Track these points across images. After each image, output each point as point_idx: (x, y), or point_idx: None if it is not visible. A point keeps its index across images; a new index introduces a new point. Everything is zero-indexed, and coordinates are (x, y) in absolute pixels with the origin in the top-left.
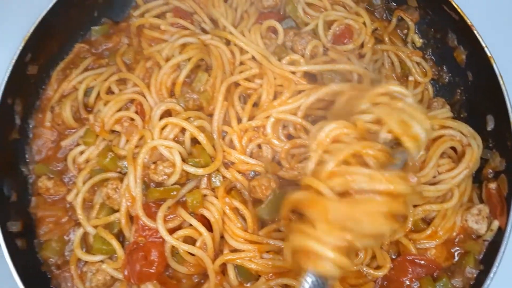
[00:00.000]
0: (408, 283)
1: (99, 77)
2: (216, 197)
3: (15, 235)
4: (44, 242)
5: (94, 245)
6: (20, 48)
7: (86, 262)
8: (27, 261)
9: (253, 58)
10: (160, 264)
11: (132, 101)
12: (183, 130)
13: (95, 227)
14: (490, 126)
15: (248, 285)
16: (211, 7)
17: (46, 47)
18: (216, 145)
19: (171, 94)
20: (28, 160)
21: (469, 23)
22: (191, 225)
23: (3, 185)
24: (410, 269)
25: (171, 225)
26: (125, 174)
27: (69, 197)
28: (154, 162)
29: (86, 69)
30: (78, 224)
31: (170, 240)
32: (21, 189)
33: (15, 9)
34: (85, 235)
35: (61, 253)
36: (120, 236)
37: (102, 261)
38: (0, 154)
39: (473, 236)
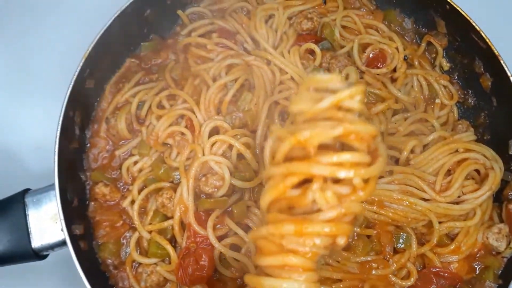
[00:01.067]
0: None
1: (151, 92)
2: (259, 209)
3: (78, 237)
4: (102, 244)
5: (149, 249)
6: (81, 64)
7: (140, 264)
8: (89, 261)
9: (292, 78)
10: (210, 268)
11: (182, 116)
12: (230, 146)
13: (149, 232)
14: (511, 150)
15: None
16: (253, 28)
17: (101, 62)
18: (259, 160)
19: (218, 111)
20: (85, 168)
21: (496, 53)
22: (236, 233)
23: (67, 191)
24: (434, 280)
25: (219, 233)
26: (177, 184)
27: (124, 204)
28: (204, 175)
29: (137, 83)
30: (132, 228)
31: (219, 247)
32: (81, 195)
33: (74, 25)
34: (139, 239)
35: (117, 255)
36: (172, 241)
37: (156, 264)
38: (63, 162)
39: (493, 252)
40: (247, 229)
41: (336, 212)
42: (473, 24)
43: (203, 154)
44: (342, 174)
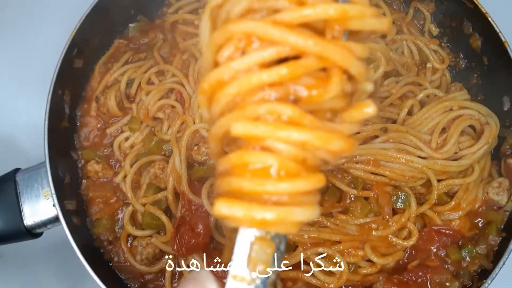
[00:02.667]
0: (435, 250)
1: (139, 69)
2: None
3: (71, 213)
4: (96, 220)
5: (144, 220)
6: (68, 43)
7: (135, 237)
8: (82, 238)
9: None
10: (206, 235)
11: (171, 90)
12: None
13: (143, 205)
14: (506, 106)
15: (286, 255)
16: None
17: (89, 42)
18: None
19: None
20: (77, 147)
21: (484, 11)
22: None
23: (58, 168)
24: (436, 238)
25: (213, 200)
26: (169, 156)
27: (117, 179)
28: (196, 144)
29: (126, 62)
30: (126, 204)
31: (213, 212)
32: (73, 173)
33: (60, 8)
34: (133, 213)
35: (112, 230)
36: (167, 213)
37: (151, 236)
38: (54, 141)
39: (494, 207)
40: None
41: None
42: None
43: (194, 123)
44: None
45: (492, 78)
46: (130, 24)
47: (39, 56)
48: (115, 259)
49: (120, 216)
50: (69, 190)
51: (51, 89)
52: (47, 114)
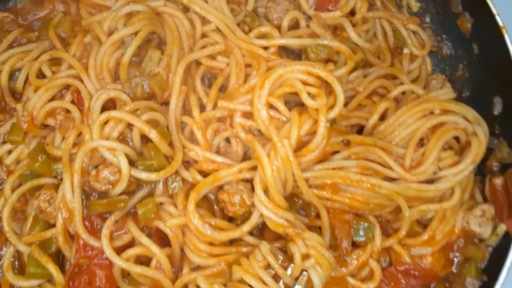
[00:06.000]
0: None
1: (28, 56)
2: (175, 205)
3: None
4: None
5: (28, 268)
6: None
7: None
8: None
9: (218, 29)
10: None
11: (67, 87)
12: (130, 126)
13: (30, 244)
14: (497, 109)
15: None
16: None
17: None
18: (174, 141)
19: (115, 78)
20: None
21: None
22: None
23: None
24: (403, 281)
25: (119, 242)
26: (61, 179)
27: None
28: (96, 167)
29: (11, 46)
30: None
31: (118, 262)
32: None
33: None
34: (18, 253)
35: None
36: (60, 255)
37: (39, 286)
38: None
39: (475, 240)
40: (158, 234)
41: None
42: None
43: (92, 138)
44: None
45: (482, 71)
46: None
47: None
48: None
49: (2, 254)
50: None
51: None
52: None
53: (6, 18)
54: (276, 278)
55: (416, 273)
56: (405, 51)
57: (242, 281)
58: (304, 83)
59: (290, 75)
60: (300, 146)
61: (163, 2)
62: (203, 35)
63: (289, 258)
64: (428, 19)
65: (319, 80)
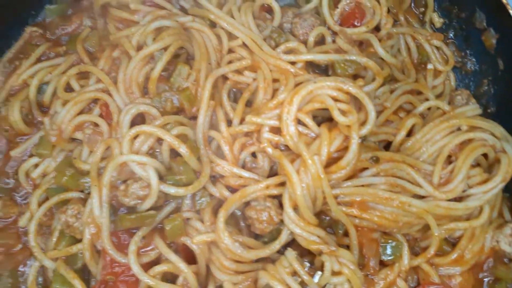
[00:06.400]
0: None
1: (56, 70)
2: (201, 221)
3: None
4: None
5: (53, 285)
6: None
7: None
8: None
9: (244, 44)
10: None
11: (95, 101)
12: (160, 140)
13: (55, 259)
14: None
15: None
16: None
17: None
18: (202, 156)
19: (144, 93)
20: None
21: (504, 1)
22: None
23: None
24: None
25: (146, 259)
26: (89, 194)
27: (21, 222)
28: (124, 181)
29: (39, 60)
30: (34, 256)
31: (145, 279)
32: None
33: None
34: (43, 268)
35: None
36: (85, 271)
37: None
38: None
39: (505, 260)
40: (184, 250)
41: None
42: None
43: (121, 152)
44: None
45: (508, 87)
46: (46, 6)
47: None
48: None
49: (27, 270)
50: None
51: None
52: None
53: (34, 33)
54: (302, 286)
55: None
56: (429, 66)
57: (268, 286)
58: (334, 99)
59: (320, 91)
60: (330, 163)
61: (191, 17)
62: (230, 50)
63: (315, 269)
64: (451, 35)
65: (348, 96)
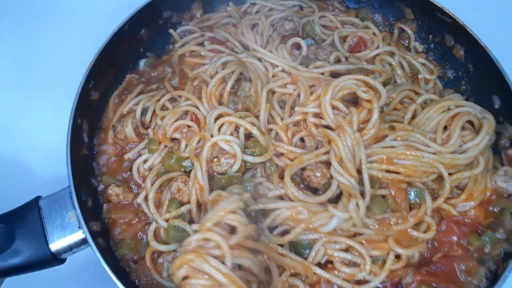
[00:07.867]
0: (456, 240)
1: (153, 98)
2: (272, 183)
3: (96, 235)
4: (120, 241)
5: (168, 234)
6: (86, 75)
7: (160, 254)
8: (108, 258)
9: (283, 71)
10: None
11: (186, 112)
12: (237, 128)
13: (167, 220)
14: (497, 104)
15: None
16: (240, 34)
17: (104, 76)
18: (267, 139)
19: (220, 103)
20: (96, 173)
21: (461, 23)
22: None
23: (80, 192)
24: (456, 229)
25: None
26: (189, 172)
27: (139, 199)
28: (216, 157)
29: (140, 93)
30: (148, 224)
31: None
32: (94, 197)
33: (74, 46)
34: (156, 230)
35: (136, 250)
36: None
37: (175, 250)
38: (75, 168)
39: (504, 195)
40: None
41: None
42: (436, 3)
43: (212, 136)
44: None
45: (479, 81)
46: (140, 60)
47: (58, 85)
48: (143, 279)
49: (143, 236)
50: (91, 214)
51: (71, 117)
52: (69, 140)
53: (133, 78)
54: None
55: (466, 220)
56: (420, 76)
57: None
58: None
59: (344, 83)
60: (360, 129)
61: (246, 54)
62: (274, 75)
63: None
64: (431, 54)
65: (364, 84)
